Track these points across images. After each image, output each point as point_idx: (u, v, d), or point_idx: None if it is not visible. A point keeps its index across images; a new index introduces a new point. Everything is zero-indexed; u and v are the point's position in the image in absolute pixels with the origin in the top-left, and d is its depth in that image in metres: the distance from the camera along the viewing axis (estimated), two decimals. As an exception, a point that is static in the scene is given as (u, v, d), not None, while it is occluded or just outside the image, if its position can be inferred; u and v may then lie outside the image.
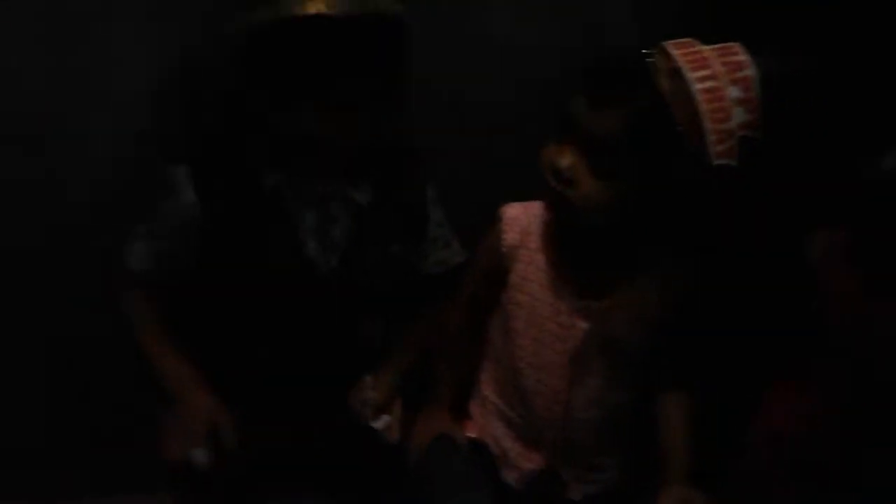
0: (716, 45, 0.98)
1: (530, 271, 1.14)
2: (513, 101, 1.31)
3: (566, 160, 0.99)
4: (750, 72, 0.97)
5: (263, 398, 1.19)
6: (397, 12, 1.06)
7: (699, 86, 0.94)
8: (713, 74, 0.95)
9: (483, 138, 1.33)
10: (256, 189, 1.13)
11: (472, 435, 1.22)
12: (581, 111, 0.97)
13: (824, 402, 1.09)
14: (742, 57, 0.97)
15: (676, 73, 0.95)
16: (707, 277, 1.13)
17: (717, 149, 0.94)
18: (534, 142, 1.04)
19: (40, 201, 1.36)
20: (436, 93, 1.31)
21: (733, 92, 0.95)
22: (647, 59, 0.95)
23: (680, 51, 0.96)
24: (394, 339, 1.25)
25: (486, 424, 1.22)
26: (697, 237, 1.12)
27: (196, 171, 1.13)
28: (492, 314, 1.21)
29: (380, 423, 1.18)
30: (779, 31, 1.09)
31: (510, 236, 1.16)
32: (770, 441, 1.13)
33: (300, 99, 1.07)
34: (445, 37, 1.29)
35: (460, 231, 1.29)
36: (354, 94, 1.07)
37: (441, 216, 1.27)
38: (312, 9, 1.00)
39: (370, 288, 1.20)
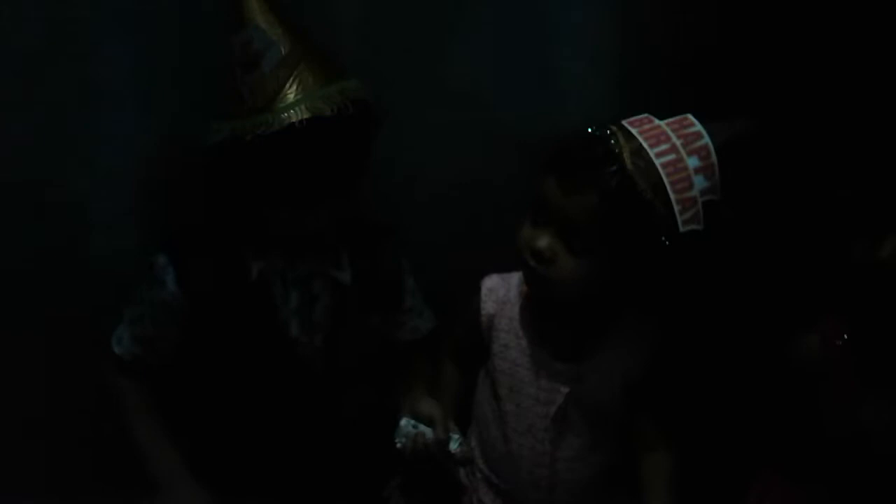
0: (670, 119, 1.03)
1: (510, 339, 1.17)
2: (489, 171, 1.34)
3: (544, 241, 1.03)
4: (705, 140, 1.02)
5: (250, 479, 1.19)
6: (367, 95, 1.08)
7: (661, 160, 0.99)
8: (672, 148, 1.00)
9: (461, 208, 1.36)
10: (241, 278, 1.14)
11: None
12: (554, 196, 1.02)
13: (822, 495, 1.10)
14: (696, 128, 1.02)
15: (638, 150, 1.00)
16: (682, 338, 1.17)
17: (683, 217, 0.99)
18: (511, 213, 1.08)
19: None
20: (413, 162, 1.34)
21: (692, 162, 1.00)
22: (610, 138, 1.00)
23: (639, 128, 1.01)
24: (371, 410, 1.26)
25: (474, 491, 1.24)
26: (672, 300, 1.16)
27: (177, 261, 1.14)
28: (476, 380, 1.24)
29: (454, 445, 1.09)
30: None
31: (489, 306, 1.19)
32: None
33: (281, 195, 1.08)
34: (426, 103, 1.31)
35: (436, 301, 1.32)
36: (334, 183, 1.09)
37: (414, 286, 1.30)
38: (303, 115, 1.01)
39: (352, 362, 1.22)
